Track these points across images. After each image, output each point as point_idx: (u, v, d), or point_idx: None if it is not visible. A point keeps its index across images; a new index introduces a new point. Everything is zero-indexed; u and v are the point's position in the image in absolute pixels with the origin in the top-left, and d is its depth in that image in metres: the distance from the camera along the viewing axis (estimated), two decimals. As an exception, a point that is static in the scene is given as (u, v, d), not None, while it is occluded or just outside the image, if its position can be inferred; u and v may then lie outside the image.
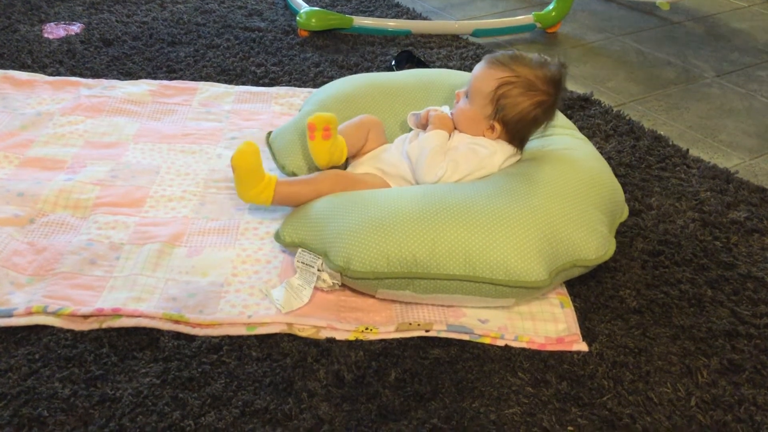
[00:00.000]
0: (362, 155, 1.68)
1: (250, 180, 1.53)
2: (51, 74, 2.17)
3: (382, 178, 1.62)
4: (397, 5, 2.80)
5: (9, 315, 1.36)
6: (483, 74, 1.58)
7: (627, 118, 2.14)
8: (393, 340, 1.38)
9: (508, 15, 2.80)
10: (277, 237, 1.53)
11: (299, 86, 2.20)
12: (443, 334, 1.39)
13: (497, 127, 1.57)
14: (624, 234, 1.66)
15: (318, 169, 1.65)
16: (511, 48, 2.58)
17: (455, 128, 1.63)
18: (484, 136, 1.59)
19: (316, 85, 2.18)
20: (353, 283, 1.43)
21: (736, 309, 1.48)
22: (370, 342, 1.37)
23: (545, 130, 1.63)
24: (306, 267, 1.45)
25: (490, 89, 1.55)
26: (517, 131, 1.58)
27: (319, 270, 1.44)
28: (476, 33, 2.60)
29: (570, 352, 1.37)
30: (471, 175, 1.56)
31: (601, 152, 1.80)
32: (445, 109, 1.65)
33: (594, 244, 1.45)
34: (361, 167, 1.65)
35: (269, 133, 1.81)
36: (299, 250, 1.48)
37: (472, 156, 1.56)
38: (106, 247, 1.54)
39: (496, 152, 1.57)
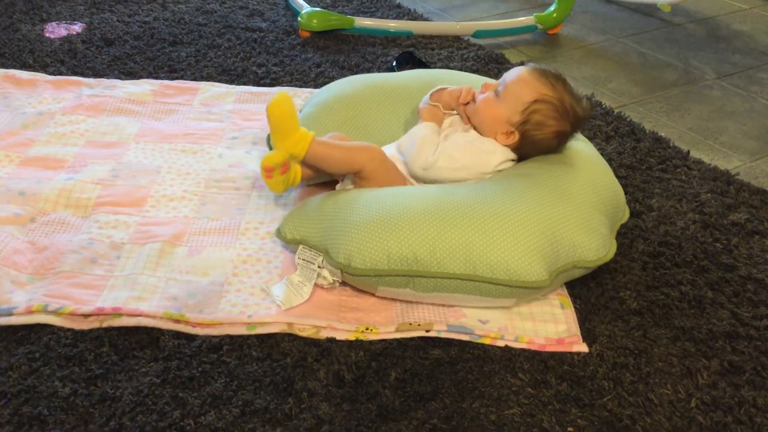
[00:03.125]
0: None
1: (286, 128, 1.48)
2: (52, 74, 2.17)
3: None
4: (399, 6, 2.80)
5: (9, 314, 1.36)
6: (526, 80, 1.55)
7: (628, 119, 2.14)
8: (393, 340, 1.38)
9: (510, 16, 2.80)
10: (278, 233, 1.53)
11: (300, 87, 2.20)
12: (443, 335, 1.39)
13: (515, 136, 1.56)
14: (624, 235, 1.66)
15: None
16: (513, 49, 2.58)
17: (469, 122, 1.62)
18: (495, 138, 1.58)
19: (317, 86, 2.18)
20: (353, 280, 1.43)
21: (737, 311, 1.48)
22: (371, 342, 1.37)
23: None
24: (306, 264, 1.45)
25: (529, 99, 1.54)
26: (526, 148, 1.58)
27: (319, 267, 1.44)
28: (477, 34, 2.60)
29: (570, 353, 1.37)
30: (468, 168, 1.55)
31: (601, 154, 1.80)
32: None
33: (594, 246, 1.45)
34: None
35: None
36: (300, 246, 1.48)
37: (470, 148, 1.56)
38: (107, 246, 1.54)
39: (496, 152, 1.57)
